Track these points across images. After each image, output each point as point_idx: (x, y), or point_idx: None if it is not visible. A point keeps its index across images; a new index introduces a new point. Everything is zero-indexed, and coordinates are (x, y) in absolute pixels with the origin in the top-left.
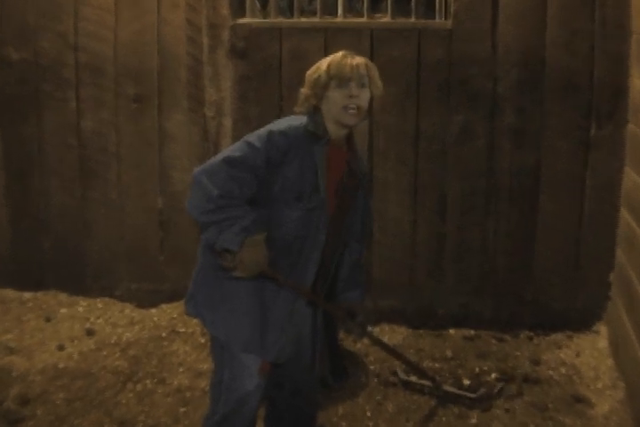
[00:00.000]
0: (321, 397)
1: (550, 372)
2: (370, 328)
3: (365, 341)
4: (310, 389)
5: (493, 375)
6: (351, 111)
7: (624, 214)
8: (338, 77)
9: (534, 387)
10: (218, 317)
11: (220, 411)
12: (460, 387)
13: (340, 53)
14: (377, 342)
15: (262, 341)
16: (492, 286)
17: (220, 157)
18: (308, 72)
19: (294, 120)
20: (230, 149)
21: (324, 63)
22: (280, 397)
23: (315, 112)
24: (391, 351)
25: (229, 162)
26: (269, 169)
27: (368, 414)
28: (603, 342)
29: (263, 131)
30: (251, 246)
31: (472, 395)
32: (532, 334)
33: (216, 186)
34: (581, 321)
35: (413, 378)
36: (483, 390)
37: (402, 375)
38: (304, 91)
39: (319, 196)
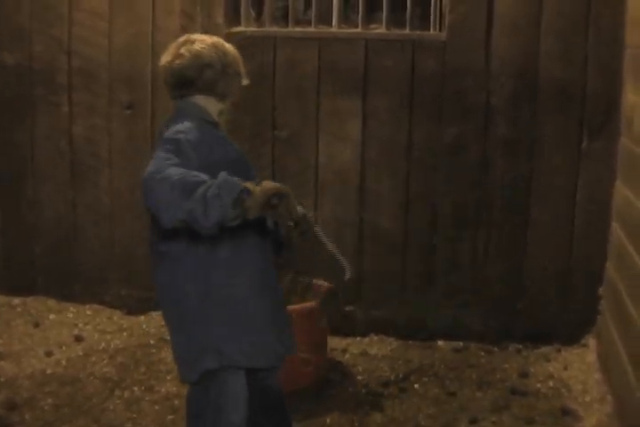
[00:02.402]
0: (307, 407)
1: (538, 385)
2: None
3: (354, 351)
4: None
5: None
6: None
7: (615, 229)
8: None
9: (522, 400)
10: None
11: None
12: None
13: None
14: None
15: (276, 345)
16: (482, 299)
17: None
18: (215, 51)
19: None
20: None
21: (231, 47)
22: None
23: None
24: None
25: (160, 157)
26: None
27: (356, 424)
28: (591, 356)
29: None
30: (250, 198)
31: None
32: (520, 346)
33: (170, 174)
34: (570, 334)
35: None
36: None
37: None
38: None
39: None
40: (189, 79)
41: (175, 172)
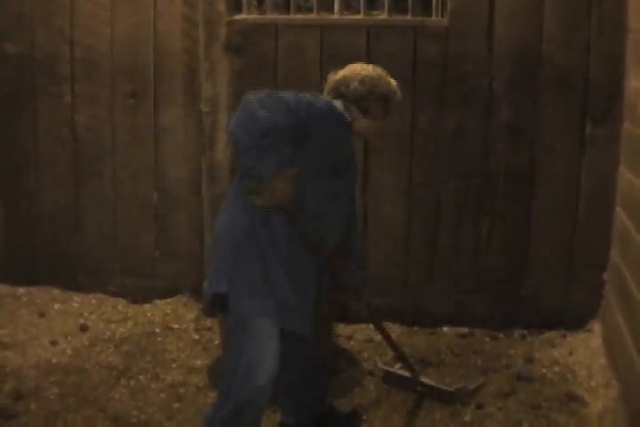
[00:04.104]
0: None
1: (544, 370)
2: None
3: (360, 338)
4: (317, 367)
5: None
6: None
7: (619, 214)
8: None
9: (528, 385)
10: (251, 288)
11: (231, 402)
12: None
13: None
14: (376, 323)
15: (295, 312)
16: (486, 285)
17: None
18: (372, 75)
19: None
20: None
21: (390, 81)
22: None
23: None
24: (385, 335)
25: (284, 97)
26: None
27: (364, 418)
28: (596, 341)
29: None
30: (282, 179)
31: (449, 389)
32: (525, 332)
33: (265, 110)
34: (575, 320)
35: (392, 369)
36: (460, 385)
37: (381, 365)
38: (356, 88)
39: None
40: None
41: None
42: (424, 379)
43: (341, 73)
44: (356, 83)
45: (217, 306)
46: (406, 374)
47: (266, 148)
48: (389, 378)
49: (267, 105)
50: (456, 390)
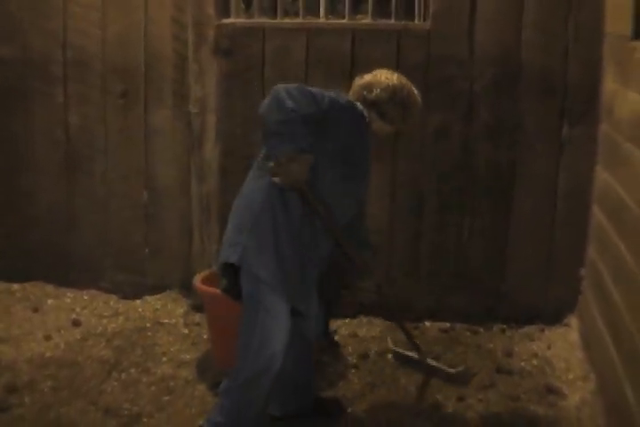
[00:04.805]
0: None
1: (523, 363)
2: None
3: (344, 332)
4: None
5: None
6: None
7: (596, 212)
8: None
9: (507, 378)
10: (266, 260)
11: (246, 371)
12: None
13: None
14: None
15: (300, 289)
16: (466, 281)
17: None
18: (395, 84)
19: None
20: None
21: (412, 89)
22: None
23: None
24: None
25: (311, 91)
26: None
27: (349, 410)
28: (574, 335)
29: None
30: (299, 162)
31: (452, 370)
32: (505, 326)
33: (292, 100)
34: (553, 315)
35: (401, 349)
36: (461, 368)
37: (391, 346)
38: (378, 94)
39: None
40: None
41: None
42: (430, 360)
43: (367, 78)
44: (378, 90)
45: (225, 272)
46: (414, 355)
47: (287, 133)
48: (398, 357)
49: (294, 95)
50: (457, 372)
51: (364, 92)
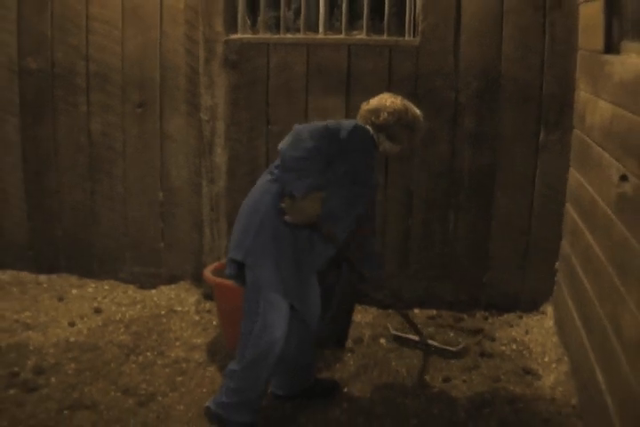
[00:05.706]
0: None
1: (503, 347)
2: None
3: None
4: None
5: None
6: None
7: (569, 209)
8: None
9: (489, 361)
10: (267, 263)
11: (248, 355)
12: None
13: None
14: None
15: (298, 290)
16: (452, 272)
17: (320, 123)
18: (400, 108)
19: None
20: (328, 122)
21: (415, 111)
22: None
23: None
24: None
25: (328, 129)
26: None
27: (345, 390)
28: (549, 322)
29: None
30: (313, 199)
31: (453, 348)
32: (487, 314)
33: (312, 139)
34: (531, 303)
35: (402, 333)
36: (461, 345)
37: (393, 331)
38: (386, 118)
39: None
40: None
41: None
42: (431, 341)
43: (373, 103)
44: (385, 114)
45: (233, 268)
46: (414, 337)
47: (303, 171)
48: (400, 341)
49: (315, 136)
50: (457, 349)
51: (372, 117)
